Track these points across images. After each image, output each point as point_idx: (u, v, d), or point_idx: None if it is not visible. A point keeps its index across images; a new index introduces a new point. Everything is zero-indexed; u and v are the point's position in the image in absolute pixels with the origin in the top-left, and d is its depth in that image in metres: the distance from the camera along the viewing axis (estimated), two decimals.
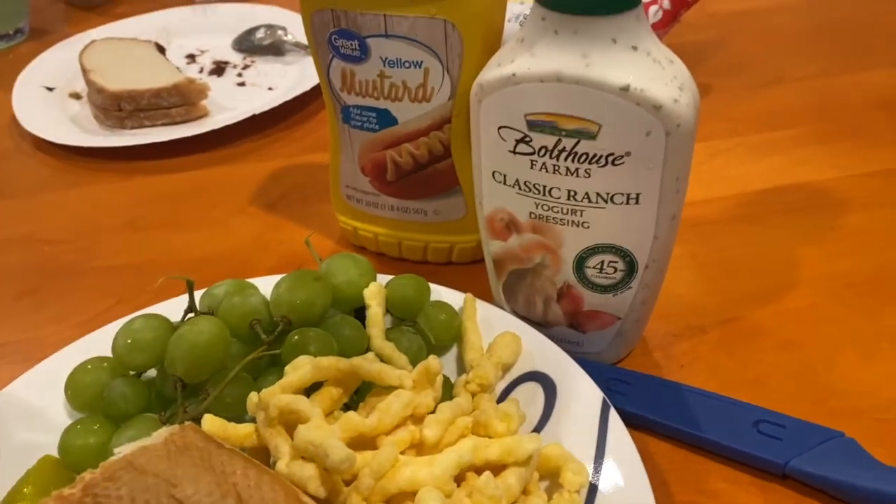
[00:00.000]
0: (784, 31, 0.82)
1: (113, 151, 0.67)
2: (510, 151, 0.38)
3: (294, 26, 0.83)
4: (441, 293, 0.45)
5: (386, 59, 0.44)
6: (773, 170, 0.59)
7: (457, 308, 0.44)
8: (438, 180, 0.48)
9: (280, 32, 0.82)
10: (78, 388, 0.40)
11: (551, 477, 0.36)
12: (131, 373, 0.40)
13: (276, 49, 0.81)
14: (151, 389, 0.40)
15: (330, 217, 0.56)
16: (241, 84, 0.77)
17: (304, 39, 0.81)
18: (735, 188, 0.57)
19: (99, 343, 0.42)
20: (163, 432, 0.32)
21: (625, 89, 0.34)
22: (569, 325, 0.43)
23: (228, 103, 0.73)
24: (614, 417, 0.37)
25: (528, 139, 0.37)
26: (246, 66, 0.80)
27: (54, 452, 0.38)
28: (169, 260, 0.55)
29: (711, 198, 0.56)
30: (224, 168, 0.65)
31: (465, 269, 0.52)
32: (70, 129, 0.70)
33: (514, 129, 0.37)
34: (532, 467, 0.34)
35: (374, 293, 0.43)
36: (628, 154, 0.35)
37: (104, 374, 0.40)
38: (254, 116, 0.68)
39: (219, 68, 0.80)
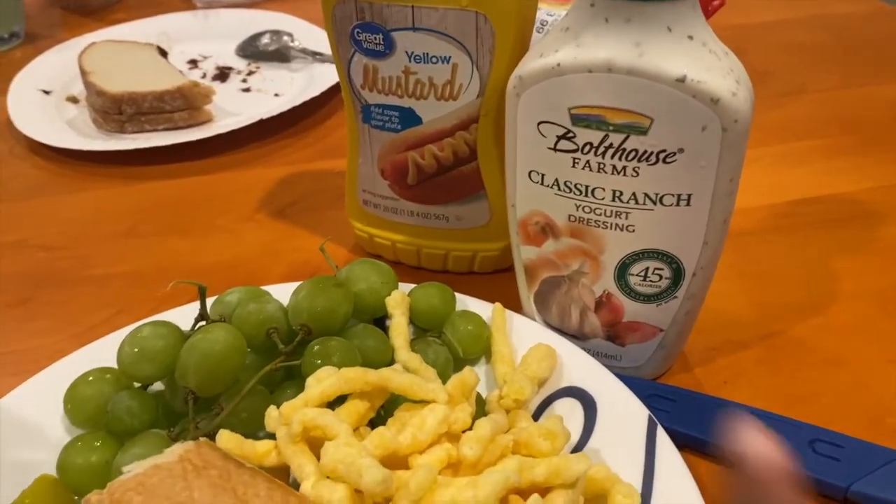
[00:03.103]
0: (801, 44, 0.80)
1: (112, 156, 0.64)
2: (550, 149, 0.35)
3: (300, 32, 0.81)
4: (466, 303, 0.43)
5: (412, 53, 0.42)
6: (805, 180, 0.57)
7: (484, 319, 0.41)
8: (462, 184, 0.46)
9: (286, 38, 0.80)
10: (79, 402, 0.36)
11: (596, 501, 0.33)
12: (137, 385, 0.37)
13: (281, 55, 0.79)
14: (159, 403, 0.37)
15: (343, 224, 0.53)
16: (247, 90, 0.75)
17: (311, 45, 0.79)
18: (767, 198, 0.55)
19: (99, 354, 0.39)
20: (176, 449, 0.29)
21: (681, 80, 0.31)
22: (606, 338, 0.40)
23: (233, 109, 0.70)
24: (662, 436, 0.35)
25: (571, 135, 0.34)
26: (251, 73, 0.78)
27: (52, 471, 0.34)
28: (172, 268, 0.52)
29: (744, 208, 0.54)
30: (229, 174, 0.62)
31: (488, 279, 0.49)
32: (67, 132, 0.67)
33: (556, 124, 0.35)
34: (579, 490, 0.31)
35: (398, 302, 0.40)
36: (681, 151, 0.33)
37: (107, 387, 0.37)
38: (261, 122, 0.65)
39: (222, 74, 0.78)
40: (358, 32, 0.42)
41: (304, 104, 0.68)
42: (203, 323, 0.38)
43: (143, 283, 0.51)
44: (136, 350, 0.36)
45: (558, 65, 0.33)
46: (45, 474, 0.34)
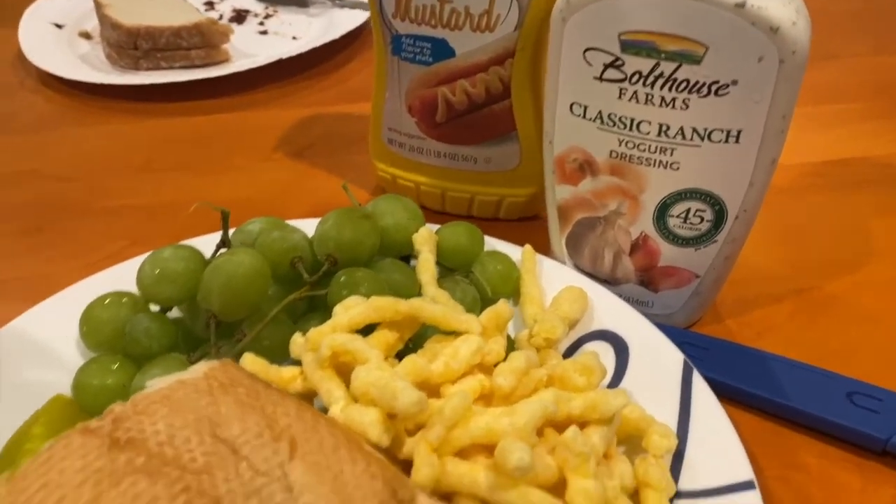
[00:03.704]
0: (830, 9, 0.78)
1: (126, 91, 0.62)
2: (596, 78, 0.34)
3: None
4: (494, 246, 0.41)
5: None
6: (839, 142, 0.56)
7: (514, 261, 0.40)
8: (493, 123, 0.44)
9: None
10: (95, 324, 0.35)
11: (629, 441, 0.32)
12: (155, 310, 0.36)
13: (299, 0, 0.77)
14: (178, 329, 0.35)
15: (364, 167, 0.51)
16: (264, 33, 0.73)
17: None
18: (802, 157, 0.54)
19: (114, 281, 0.38)
20: (201, 366, 0.28)
21: (740, 6, 0.30)
22: (639, 283, 0.39)
23: (250, 50, 0.69)
24: (699, 380, 0.33)
25: (619, 63, 0.33)
26: (268, 16, 0.76)
27: (66, 392, 0.33)
28: (187, 202, 0.51)
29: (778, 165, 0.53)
30: (246, 114, 0.61)
31: (513, 226, 0.48)
32: (80, 66, 0.65)
33: (604, 51, 0.33)
34: (614, 427, 0.30)
35: (426, 238, 0.39)
36: (734, 83, 0.32)
37: (124, 310, 0.35)
38: (280, 63, 0.64)
39: (239, 16, 0.76)
40: None
41: (324, 46, 0.66)
42: (224, 250, 0.37)
43: (158, 217, 0.50)
44: (157, 271, 0.34)
45: None
46: (60, 394, 0.33)
